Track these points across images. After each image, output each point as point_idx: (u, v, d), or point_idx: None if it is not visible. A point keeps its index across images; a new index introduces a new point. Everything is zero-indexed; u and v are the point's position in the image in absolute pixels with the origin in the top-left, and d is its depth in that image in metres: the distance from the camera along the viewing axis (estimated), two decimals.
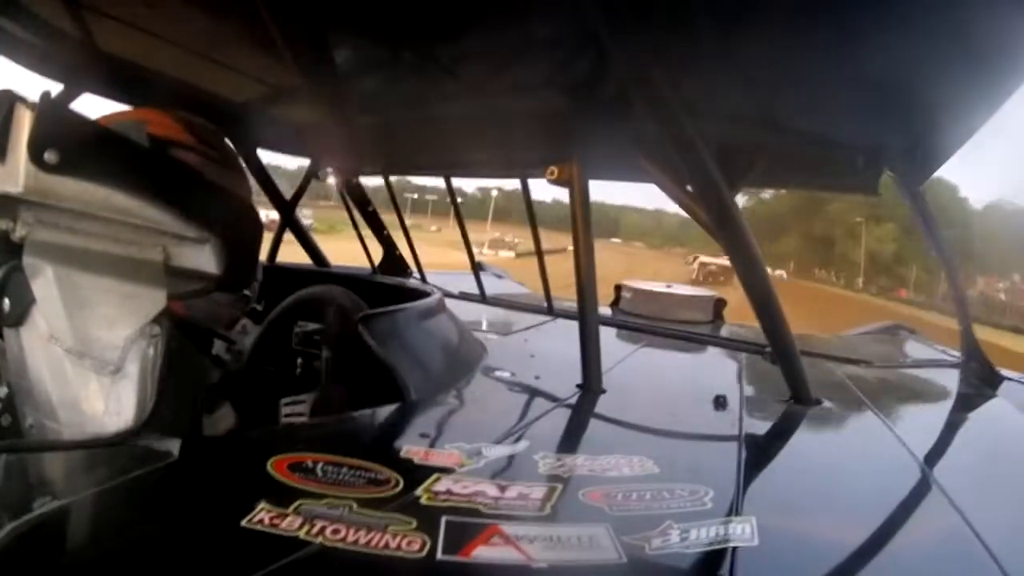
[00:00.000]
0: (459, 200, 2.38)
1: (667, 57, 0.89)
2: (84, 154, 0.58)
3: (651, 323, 1.96)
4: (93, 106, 1.23)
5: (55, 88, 1.25)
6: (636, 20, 0.81)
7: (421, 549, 0.47)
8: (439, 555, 0.47)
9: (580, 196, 1.07)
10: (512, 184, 2.12)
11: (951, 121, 1.06)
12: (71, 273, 0.59)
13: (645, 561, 0.49)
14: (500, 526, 0.51)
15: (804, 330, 1.98)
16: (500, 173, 2.01)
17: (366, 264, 2.31)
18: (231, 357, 0.93)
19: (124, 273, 0.61)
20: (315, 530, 0.48)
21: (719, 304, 2.27)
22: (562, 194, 1.06)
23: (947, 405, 1.29)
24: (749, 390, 1.11)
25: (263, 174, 2.04)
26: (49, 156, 0.56)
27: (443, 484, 0.59)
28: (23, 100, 0.57)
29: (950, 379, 1.37)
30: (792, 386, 1.03)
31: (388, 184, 2.26)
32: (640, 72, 0.90)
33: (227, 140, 0.86)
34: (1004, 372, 1.35)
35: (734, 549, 0.51)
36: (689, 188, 1.10)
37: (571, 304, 1.40)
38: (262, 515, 0.49)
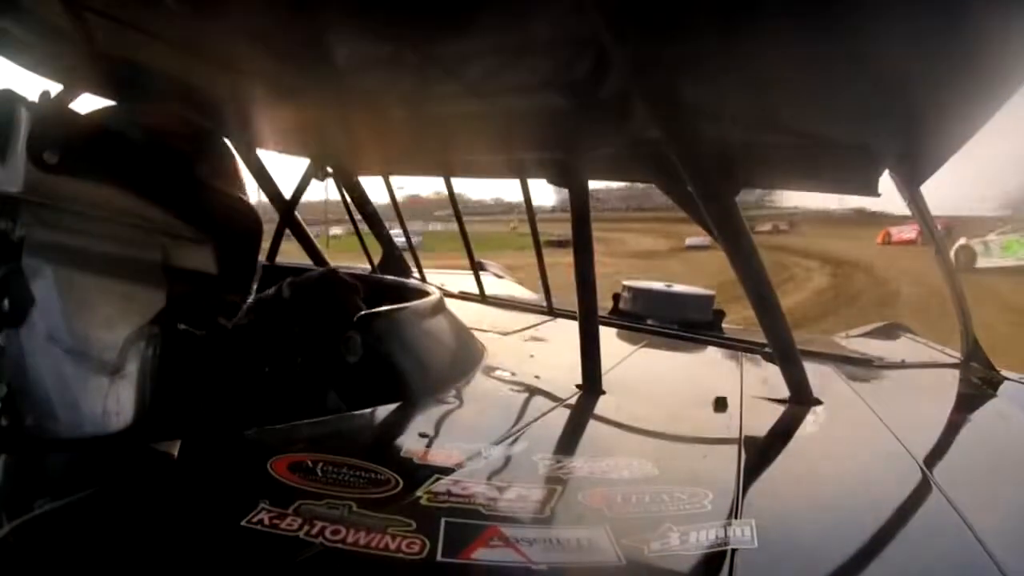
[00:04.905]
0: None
1: (667, 57, 0.89)
2: (84, 154, 0.58)
3: (651, 323, 1.95)
4: (93, 106, 1.23)
5: (55, 88, 1.25)
6: (636, 21, 0.81)
7: (421, 551, 0.47)
8: (439, 556, 0.47)
9: (580, 196, 1.07)
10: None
11: (951, 122, 1.05)
12: (71, 273, 0.59)
13: (644, 563, 0.49)
14: (500, 528, 0.51)
15: None
16: (500, 173, 2.00)
17: None
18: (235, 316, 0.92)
19: (124, 273, 0.61)
20: (315, 531, 0.48)
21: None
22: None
23: (947, 406, 1.28)
24: (749, 391, 1.11)
25: (263, 174, 2.04)
26: (49, 156, 0.56)
27: (443, 485, 0.59)
28: (23, 100, 0.57)
29: (950, 379, 1.37)
30: (792, 386, 1.03)
31: (388, 184, 2.26)
32: (640, 72, 0.90)
33: (226, 140, 0.86)
34: (1004, 372, 1.35)
35: (733, 551, 0.51)
36: (689, 188, 1.10)
37: (571, 304, 1.39)
38: (262, 515, 0.49)
